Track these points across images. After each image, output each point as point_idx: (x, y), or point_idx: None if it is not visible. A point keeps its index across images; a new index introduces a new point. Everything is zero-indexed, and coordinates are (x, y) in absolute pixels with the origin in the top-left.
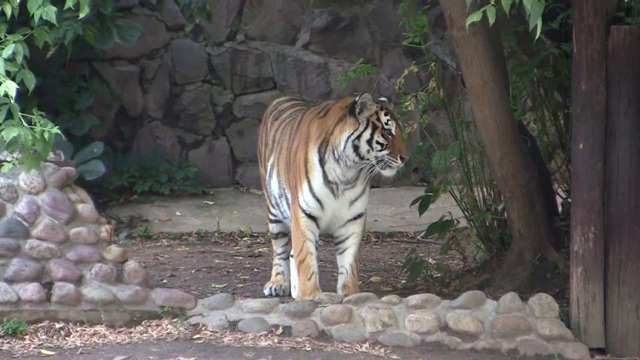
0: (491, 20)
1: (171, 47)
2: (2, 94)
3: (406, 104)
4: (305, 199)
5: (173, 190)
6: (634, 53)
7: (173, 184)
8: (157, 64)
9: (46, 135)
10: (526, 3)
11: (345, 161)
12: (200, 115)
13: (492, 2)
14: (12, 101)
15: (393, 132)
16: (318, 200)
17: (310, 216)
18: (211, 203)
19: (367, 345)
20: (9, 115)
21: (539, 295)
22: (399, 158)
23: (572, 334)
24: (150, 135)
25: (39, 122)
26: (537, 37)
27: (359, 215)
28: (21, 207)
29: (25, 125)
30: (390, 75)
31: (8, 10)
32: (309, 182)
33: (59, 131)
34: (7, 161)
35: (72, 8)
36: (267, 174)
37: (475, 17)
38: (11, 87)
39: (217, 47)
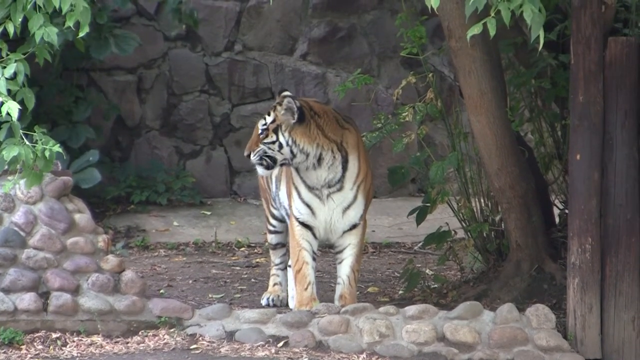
0: (492, 32)
1: (169, 57)
2: (4, 114)
3: (404, 114)
4: (297, 206)
5: (170, 200)
6: (631, 64)
7: (170, 194)
8: (155, 73)
9: (47, 154)
10: (526, 17)
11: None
12: (197, 126)
13: (493, 14)
14: (14, 119)
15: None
16: (308, 206)
17: (304, 225)
18: (209, 213)
19: (364, 355)
20: (10, 132)
21: (536, 306)
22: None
23: (569, 345)
24: (148, 145)
25: (41, 140)
26: (540, 49)
27: (354, 226)
28: (18, 216)
29: (27, 143)
30: (388, 86)
31: (11, 29)
32: (297, 189)
33: (60, 149)
34: (8, 180)
35: (73, 28)
36: (274, 186)
37: (476, 29)
38: (13, 108)
39: (215, 57)
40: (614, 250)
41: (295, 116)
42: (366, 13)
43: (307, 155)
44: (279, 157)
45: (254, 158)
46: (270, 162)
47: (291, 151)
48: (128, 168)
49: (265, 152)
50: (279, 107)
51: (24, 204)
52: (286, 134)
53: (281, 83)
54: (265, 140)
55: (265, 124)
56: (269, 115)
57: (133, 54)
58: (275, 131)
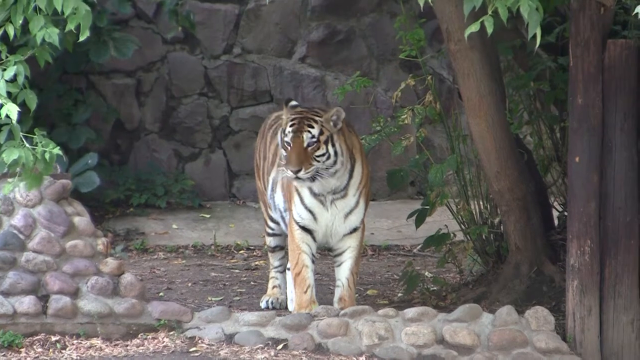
0: (489, 30)
1: (168, 60)
2: (3, 116)
3: (403, 117)
4: (298, 211)
5: (169, 203)
6: (630, 66)
7: (169, 197)
8: (154, 76)
9: (47, 156)
10: (523, 11)
11: None
12: (196, 128)
13: (490, 13)
14: (14, 122)
15: (290, 142)
16: (310, 212)
17: (305, 229)
18: (208, 216)
19: (363, 358)
20: (10, 135)
21: (535, 308)
22: (289, 170)
23: (568, 347)
24: (147, 148)
25: (41, 142)
26: (536, 47)
27: (355, 229)
28: (17, 219)
29: (27, 145)
30: (387, 89)
31: (11, 32)
32: (299, 194)
33: (60, 152)
34: (8, 182)
35: (74, 31)
36: (270, 188)
37: (474, 27)
38: (13, 110)
39: (214, 60)
40: (613, 253)
41: (339, 125)
42: (365, 16)
43: (342, 164)
44: (320, 167)
45: (306, 173)
46: (315, 174)
47: (334, 161)
48: (127, 171)
49: (317, 166)
50: (318, 118)
51: (23, 207)
52: (337, 145)
53: (280, 86)
54: (316, 154)
55: (314, 137)
56: (312, 127)
57: (132, 57)
58: (326, 143)
